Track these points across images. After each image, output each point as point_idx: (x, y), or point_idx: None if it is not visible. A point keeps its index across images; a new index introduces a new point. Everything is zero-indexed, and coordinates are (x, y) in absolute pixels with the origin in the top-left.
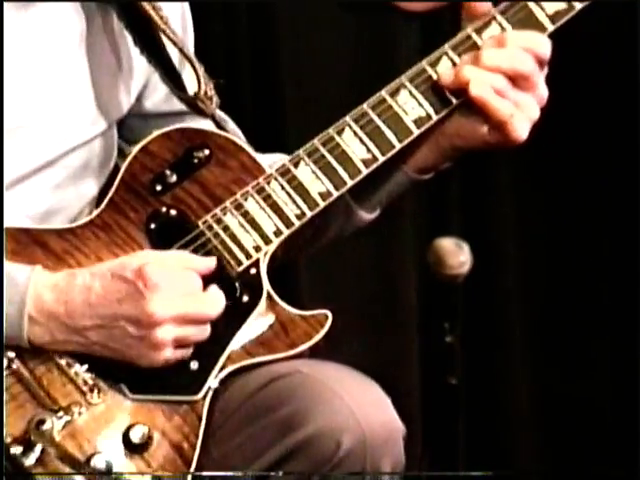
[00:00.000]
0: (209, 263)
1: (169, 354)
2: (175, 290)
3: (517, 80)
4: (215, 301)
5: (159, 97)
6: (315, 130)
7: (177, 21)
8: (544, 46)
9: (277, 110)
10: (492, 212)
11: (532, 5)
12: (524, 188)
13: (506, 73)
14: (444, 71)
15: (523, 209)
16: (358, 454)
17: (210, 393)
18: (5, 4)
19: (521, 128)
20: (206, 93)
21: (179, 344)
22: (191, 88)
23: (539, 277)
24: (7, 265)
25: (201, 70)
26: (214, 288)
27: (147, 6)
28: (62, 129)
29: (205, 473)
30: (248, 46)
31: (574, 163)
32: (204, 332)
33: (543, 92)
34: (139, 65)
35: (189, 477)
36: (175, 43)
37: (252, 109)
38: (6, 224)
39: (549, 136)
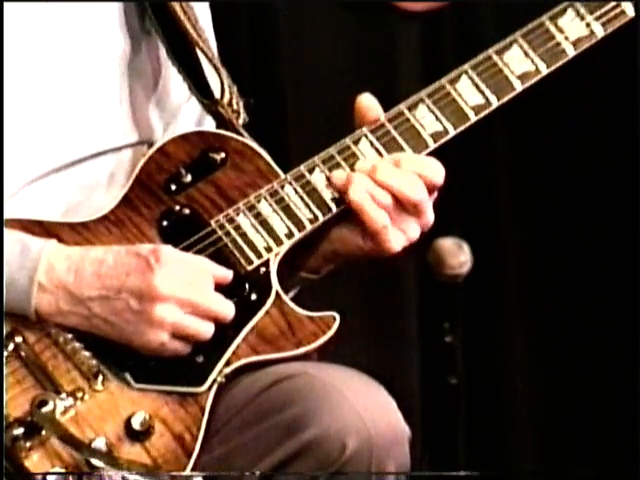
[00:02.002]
0: (226, 273)
1: (165, 338)
2: (186, 276)
3: (405, 205)
4: (224, 303)
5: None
6: (315, 131)
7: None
8: (438, 174)
9: (277, 111)
10: (492, 212)
11: (554, 30)
12: (524, 188)
13: (395, 195)
14: (337, 174)
15: (523, 209)
16: (363, 456)
17: (215, 387)
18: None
19: (394, 241)
20: (231, 105)
21: (178, 332)
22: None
23: (539, 277)
24: (22, 235)
25: (229, 83)
26: (229, 301)
27: (182, 17)
28: (94, 131)
29: (208, 473)
30: (248, 46)
31: (574, 163)
32: (206, 329)
33: (429, 219)
34: (182, 97)
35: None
36: (207, 55)
37: (252, 109)
38: (20, 216)
39: (549, 136)
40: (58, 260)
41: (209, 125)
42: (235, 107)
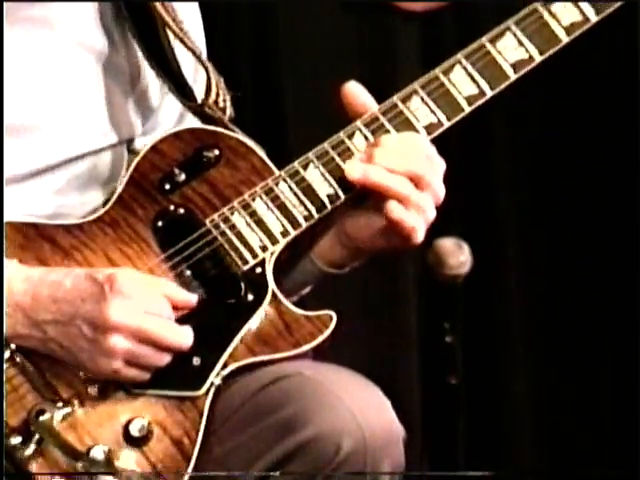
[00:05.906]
0: (189, 298)
1: (119, 366)
2: (141, 304)
3: (414, 181)
4: (179, 332)
5: (196, 123)
6: (315, 131)
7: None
8: (425, 144)
9: (277, 111)
10: (492, 212)
11: (547, 16)
12: (524, 188)
13: (405, 175)
14: (350, 167)
15: (523, 209)
16: (358, 457)
17: (212, 390)
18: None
19: (421, 233)
20: (217, 102)
21: (131, 361)
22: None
23: (539, 277)
24: None
25: (215, 79)
26: (187, 327)
27: (162, 12)
28: (73, 134)
29: (205, 473)
30: (248, 45)
31: (574, 163)
32: (159, 359)
33: (439, 191)
34: (162, 90)
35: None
36: (193, 51)
37: (252, 109)
38: (14, 219)
39: (549, 136)
40: (17, 282)
41: (192, 117)
42: (221, 104)
